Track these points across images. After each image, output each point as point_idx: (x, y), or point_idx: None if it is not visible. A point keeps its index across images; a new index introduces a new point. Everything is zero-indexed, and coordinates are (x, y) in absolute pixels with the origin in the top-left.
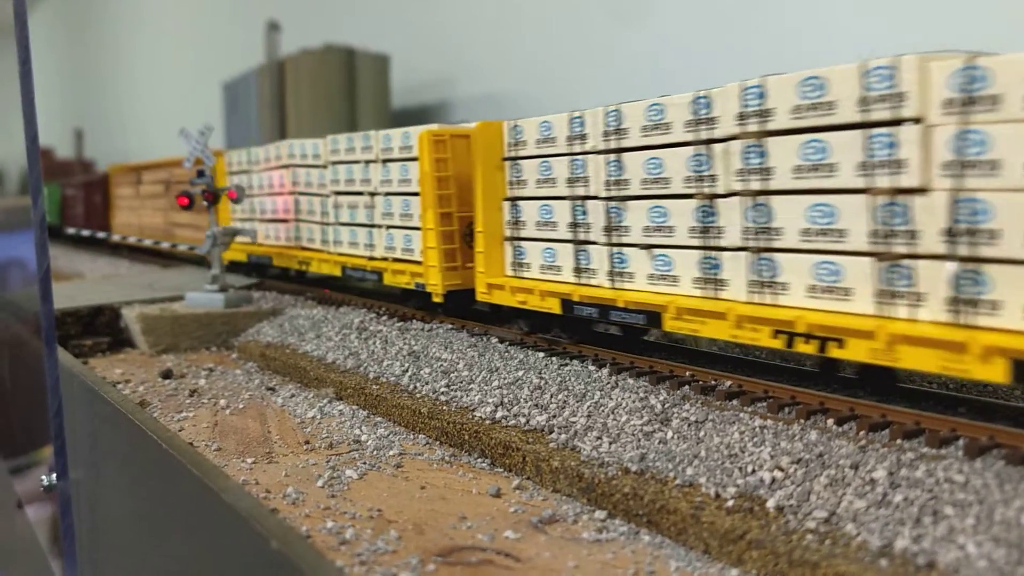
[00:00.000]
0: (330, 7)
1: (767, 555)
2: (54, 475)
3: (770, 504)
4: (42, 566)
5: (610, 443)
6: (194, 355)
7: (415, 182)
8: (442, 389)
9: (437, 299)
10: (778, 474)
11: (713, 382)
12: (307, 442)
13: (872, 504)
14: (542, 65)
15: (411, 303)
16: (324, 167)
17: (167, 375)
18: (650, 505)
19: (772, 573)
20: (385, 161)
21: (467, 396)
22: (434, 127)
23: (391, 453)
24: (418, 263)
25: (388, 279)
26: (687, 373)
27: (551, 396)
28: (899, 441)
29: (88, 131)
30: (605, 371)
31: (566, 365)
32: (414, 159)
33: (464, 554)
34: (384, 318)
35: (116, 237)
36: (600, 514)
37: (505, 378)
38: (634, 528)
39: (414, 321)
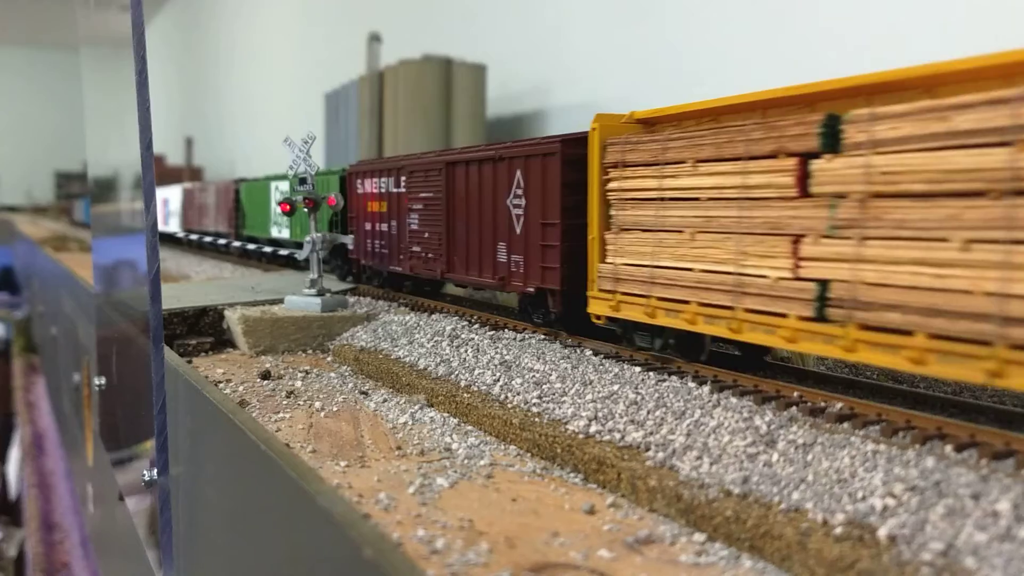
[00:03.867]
0: (430, 18)
1: None
2: (155, 470)
3: (881, 533)
4: (140, 558)
5: (711, 463)
6: (291, 357)
7: None
8: (534, 400)
9: None
10: (891, 501)
11: (823, 403)
12: (399, 448)
13: (995, 538)
14: (636, 74)
15: None
16: None
17: (266, 376)
18: (753, 529)
19: None
20: None
21: (560, 409)
22: None
23: (482, 463)
24: None
25: None
26: (795, 394)
27: (648, 412)
28: None
29: (197, 139)
30: (706, 388)
31: (664, 381)
32: None
33: (556, 571)
34: (476, 326)
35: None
36: (699, 537)
37: (599, 392)
38: (735, 552)
39: (506, 330)
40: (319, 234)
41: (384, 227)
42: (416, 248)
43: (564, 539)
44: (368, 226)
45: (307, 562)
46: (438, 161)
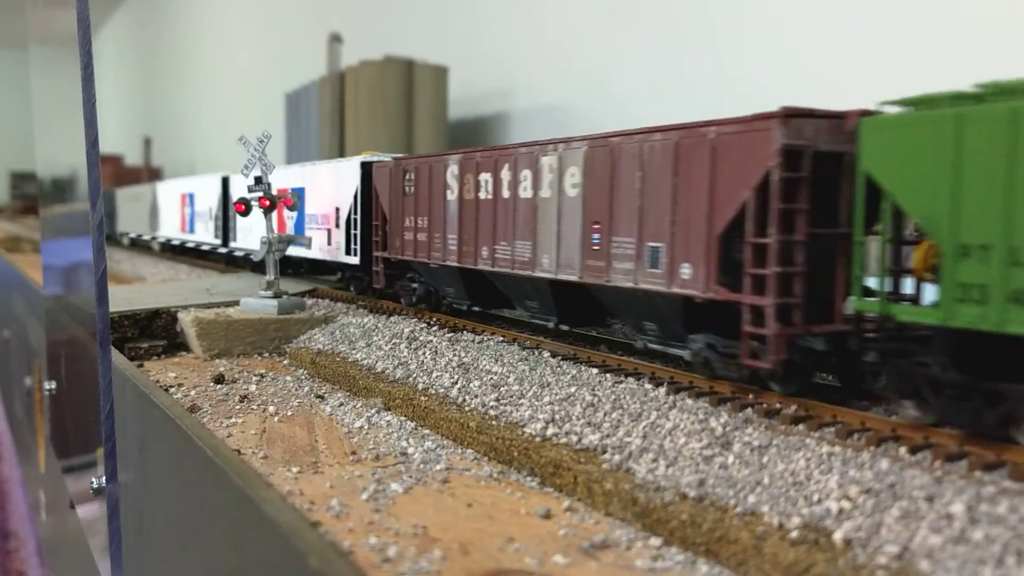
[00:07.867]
0: (391, 20)
1: None
2: (103, 477)
3: (837, 536)
4: (92, 567)
5: (667, 466)
6: (247, 360)
7: None
8: (491, 403)
9: None
10: (846, 504)
11: (778, 405)
12: (353, 453)
13: (949, 540)
14: (596, 79)
15: None
16: None
17: (219, 380)
18: (709, 534)
19: None
20: None
21: (517, 411)
22: None
23: (438, 468)
24: None
25: None
26: (750, 395)
27: (605, 414)
28: (978, 473)
29: (156, 140)
30: (662, 390)
31: (621, 382)
32: None
33: None
34: (435, 328)
35: None
36: (655, 541)
37: (557, 394)
38: (691, 557)
39: (464, 332)
40: (274, 235)
41: None
42: None
43: (519, 545)
44: None
45: (255, 573)
46: None
